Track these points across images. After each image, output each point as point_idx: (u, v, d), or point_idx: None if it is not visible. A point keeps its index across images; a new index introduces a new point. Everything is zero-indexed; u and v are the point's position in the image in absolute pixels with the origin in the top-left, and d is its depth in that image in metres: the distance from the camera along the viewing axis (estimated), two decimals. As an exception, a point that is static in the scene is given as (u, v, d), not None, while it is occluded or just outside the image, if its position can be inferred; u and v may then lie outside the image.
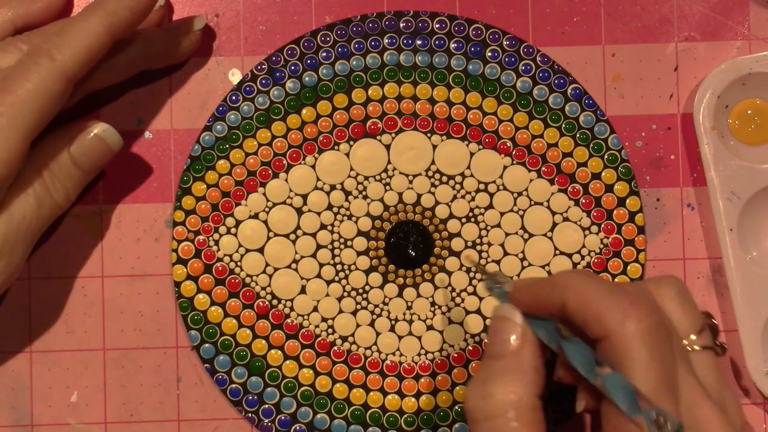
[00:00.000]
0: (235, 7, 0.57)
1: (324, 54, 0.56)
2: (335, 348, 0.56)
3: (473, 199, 0.56)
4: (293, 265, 0.56)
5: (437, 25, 0.56)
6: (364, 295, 0.56)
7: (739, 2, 0.57)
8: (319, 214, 0.56)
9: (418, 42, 0.56)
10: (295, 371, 0.56)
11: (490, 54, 0.56)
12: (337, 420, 0.56)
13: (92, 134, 0.52)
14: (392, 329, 0.56)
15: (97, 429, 0.56)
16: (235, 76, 0.57)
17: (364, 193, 0.56)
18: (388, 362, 0.56)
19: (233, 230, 0.56)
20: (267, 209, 0.56)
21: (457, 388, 0.56)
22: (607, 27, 0.57)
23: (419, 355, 0.56)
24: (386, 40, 0.56)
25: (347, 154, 0.56)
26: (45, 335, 0.56)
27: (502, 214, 0.56)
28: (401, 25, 0.56)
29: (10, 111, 0.49)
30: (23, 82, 0.49)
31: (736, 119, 0.56)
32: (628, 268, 0.56)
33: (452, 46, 0.56)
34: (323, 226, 0.56)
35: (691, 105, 0.56)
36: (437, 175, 0.56)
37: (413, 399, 0.56)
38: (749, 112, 0.57)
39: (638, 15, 0.57)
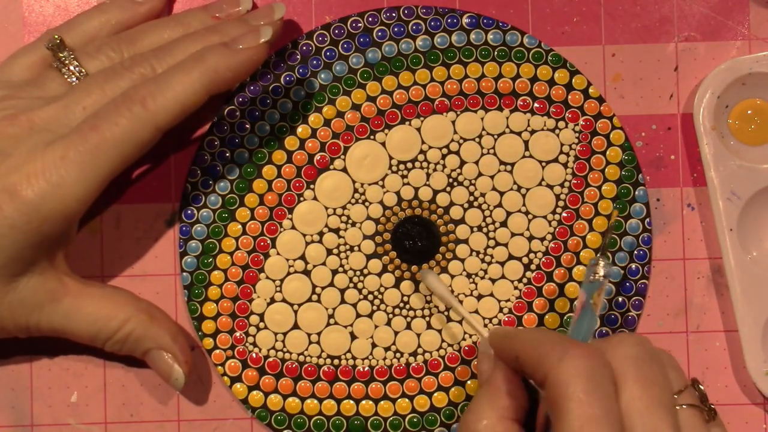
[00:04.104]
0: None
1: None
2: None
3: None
4: (330, 312, 0.56)
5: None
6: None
7: (739, 2, 0.57)
8: (326, 248, 0.56)
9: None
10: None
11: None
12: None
13: None
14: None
15: (97, 429, 0.56)
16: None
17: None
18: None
19: (261, 324, 0.56)
20: (278, 288, 0.56)
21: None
22: (607, 27, 0.57)
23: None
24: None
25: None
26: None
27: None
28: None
29: (94, 152, 0.48)
30: (112, 125, 0.49)
31: (736, 119, 0.56)
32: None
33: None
34: (329, 252, 0.56)
35: (691, 105, 0.56)
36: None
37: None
38: (749, 112, 0.57)
39: (638, 15, 0.57)
